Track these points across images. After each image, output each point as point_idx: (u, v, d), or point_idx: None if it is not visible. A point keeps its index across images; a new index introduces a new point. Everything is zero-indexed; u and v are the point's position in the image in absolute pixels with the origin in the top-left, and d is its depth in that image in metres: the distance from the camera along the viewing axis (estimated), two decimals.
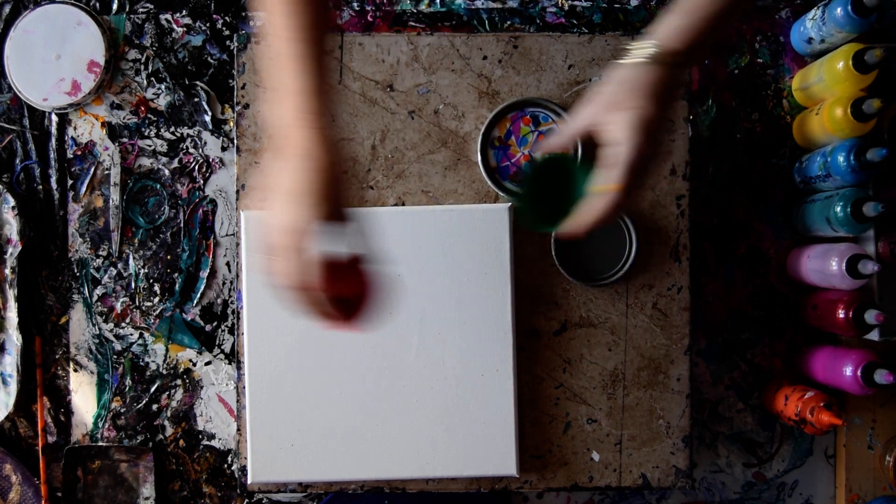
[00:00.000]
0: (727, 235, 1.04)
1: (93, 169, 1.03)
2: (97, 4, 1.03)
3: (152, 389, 1.03)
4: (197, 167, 1.03)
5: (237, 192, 0.88)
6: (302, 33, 0.63)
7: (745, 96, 1.04)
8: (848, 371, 0.91)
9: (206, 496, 1.04)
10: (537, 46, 0.90)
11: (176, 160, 1.03)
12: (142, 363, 1.03)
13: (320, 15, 0.64)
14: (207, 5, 1.04)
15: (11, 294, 1.00)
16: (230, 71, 1.03)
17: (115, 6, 1.03)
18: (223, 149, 1.04)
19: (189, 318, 1.03)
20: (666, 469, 0.89)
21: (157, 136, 1.03)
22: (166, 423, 1.03)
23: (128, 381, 1.03)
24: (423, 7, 1.04)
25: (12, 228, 1.00)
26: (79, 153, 1.03)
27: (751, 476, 1.05)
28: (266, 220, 0.62)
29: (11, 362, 1.00)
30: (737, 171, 1.04)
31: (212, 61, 1.04)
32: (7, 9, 1.03)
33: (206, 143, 1.03)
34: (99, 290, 1.03)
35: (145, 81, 1.03)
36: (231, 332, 1.03)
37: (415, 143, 0.90)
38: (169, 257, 1.03)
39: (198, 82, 1.03)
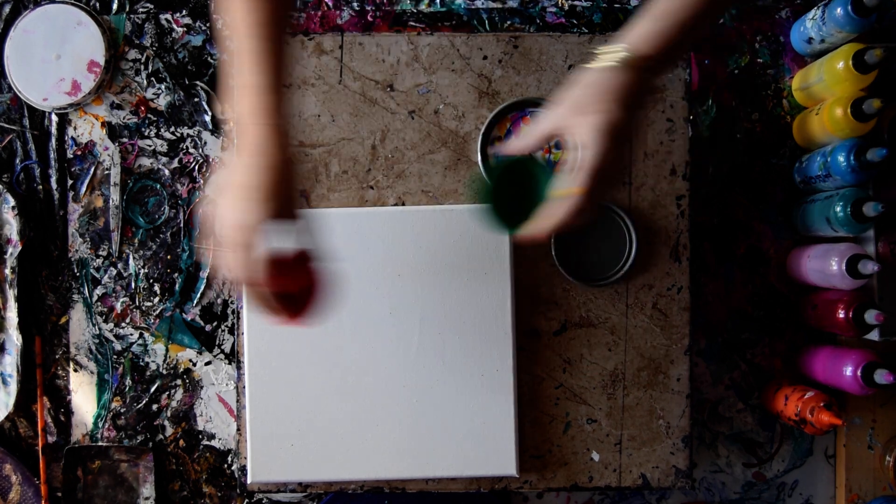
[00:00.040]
0: (727, 235, 1.04)
1: (93, 169, 1.03)
2: (97, 4, 1.03)
3: (152, 389, 1.03)
4: (197, 167, 1.03)
5: None
6: (259, 30, 0.63)
7: (745, 96, 1.04)
8: (848, 371, 0.91)
9: (206, 496, 1.04)
10: (537, 46, 0.90)
11: (176, 160, 1.03)
12: (142, 363, 1.03)
13: (279, 12, 0.64)
14: (207, 5, 1.04)
15: (11, 294, 1.00)
16: (230, 71, 1.03)
17: (115, 6, 1.03)
18: (223, 149, 1.04)
19: (189, 318, 1.03)
20: (666, 469, 0.89)
21: (157, 136, 1.03)
22: (166, 423, 1.03)
23: (128, 381, 1.03)
24: (423, 7, 1.04)
25: (12, 228, 1.00)
26: (79, 153, 1.03)
27: (751, 476, 1.05)
28: (217, 213, 0.63)
29: (11, 362, 1.00)
30: (737, 171, 1.04)
31: (212, 61, 1.04)
32: (7, 9, 1.03)
33: (206, 143, 1.03)
34: (99, 290, 1.03)
35: (145, 81, 1.03)
36: (231, 332, 1.03)
37: (415, 143, 0.90)
38: (169, 257, 1.03)
39: (198, 82, 1.03)
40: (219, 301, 1.03)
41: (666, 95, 0.89)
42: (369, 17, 1.04)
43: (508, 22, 1.04)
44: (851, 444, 1.01)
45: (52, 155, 1.03)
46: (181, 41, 1.03)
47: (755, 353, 1.04)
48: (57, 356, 1.04)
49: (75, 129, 1.03)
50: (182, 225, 1.03)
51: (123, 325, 1.03)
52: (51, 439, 1.03)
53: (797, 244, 1.03)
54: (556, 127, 0.64)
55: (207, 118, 1.03)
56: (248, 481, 0.86)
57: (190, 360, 1.04)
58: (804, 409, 0.93)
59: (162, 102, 1.03)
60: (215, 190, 0.65)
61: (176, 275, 1.03)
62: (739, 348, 1.04)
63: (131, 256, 1.03)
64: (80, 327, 1.03)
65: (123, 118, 1.03)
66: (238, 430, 0.87)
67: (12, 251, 1.00)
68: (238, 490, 0.99)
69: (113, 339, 1.03)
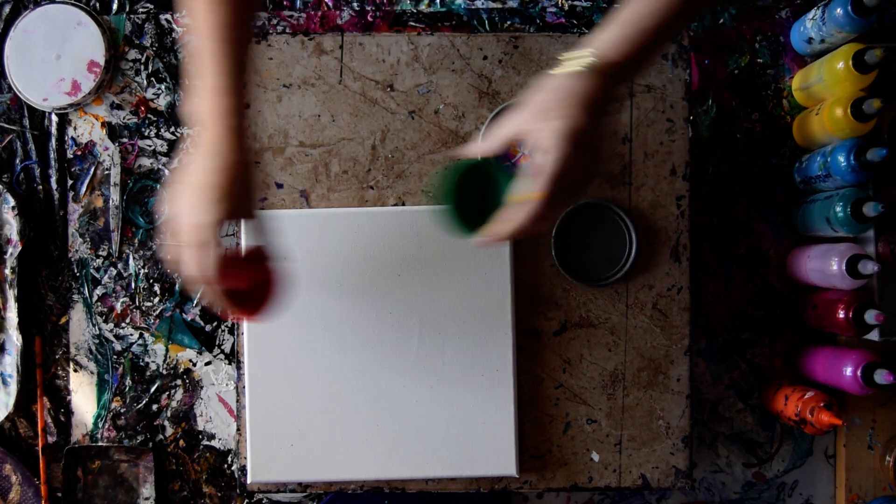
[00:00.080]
0: (727, 235, 1.04)
1: (93, 169, 1.03)
2: (97, 4, 1.03)
3: (152, 389, 1.03)
4: None
5: None
6: (220, 32, 0.64)
7: (745, 96, 1.04)
8: (848, 371, 0.91)
9: (206, 496, 1.04)
10: (537, 46, 0.90)
11: (176, 160, 1.03)
12: (142, 363, 1.03)
13: (241, 15, 0.65)
14: None
15: (11, 294, 1.00)
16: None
17: (115, 6, 1.03)
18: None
19: (189, 318, 1.03)
20: (666, 469, 0.89)
21: (157, 136, 1.03)
22: (166, 423, 1.03)
23: (128, 381, 1.03)
24: (423, 7, 1.04)
25: (12, 228, 1.00)
26: (79, 153, 1.03)
27: (751, 476, 1.05)
28: (173, 211, 0.65)
29: (11, 362, 1.00)
30: (737, 171, 1.04)
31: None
32: (7, 9, 1.03)
33: None
34: (99, 290, 1.03)
35: (145, 81, 1.03)
36: (231, 332, 1.03)
37: (415, 143, 0.90)
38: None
39: None
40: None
41: (666, 95, 0.89)
42: (369, 17, 1.04)
43: (508, 22, 1.04)
44: (851, 444, 1.01)
45: (52, 155, 1.03)
46: (181, 41, 1.03)
47: (755, 353, 1.04)
48: (57, 356, 1.04)
49: (75, 129, 1.03)
50: None
51: (123, 325, 1.03)
52: (51, 439, 1.03)
53: (797, 244, 1.03)
54: (518, 131, 0.63)
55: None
56: (248, 481, 0.86)
57: (190, 360, 1.04)
58: (804, 409, 0.93)
59: (162, 102, 1.03)
60: (172, 188, 0.66)
61: (176, 275, 1.03)
62: (739, 348, 1.04)
63: (131, 256, 1.03)
64: (80, 327, 1.03)
65: (123, 118, 1.03)
66: (238, 430, 0.87)
67: (12, 251, 1.00)
68: (238, 490, 0.99)
69: (113, 339, 1.03)
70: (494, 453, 0.86)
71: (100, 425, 1.03)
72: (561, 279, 0.89)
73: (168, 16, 1.04)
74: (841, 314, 0.91)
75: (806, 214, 0.98)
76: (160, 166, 1.03)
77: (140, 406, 1.03)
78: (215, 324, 1.03)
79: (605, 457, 0.89)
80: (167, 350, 1.03)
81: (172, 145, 1.03)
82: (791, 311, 1.04)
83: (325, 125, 0.89)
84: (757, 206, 1.04)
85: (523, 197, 0.62)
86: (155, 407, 1.03)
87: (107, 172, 1.03)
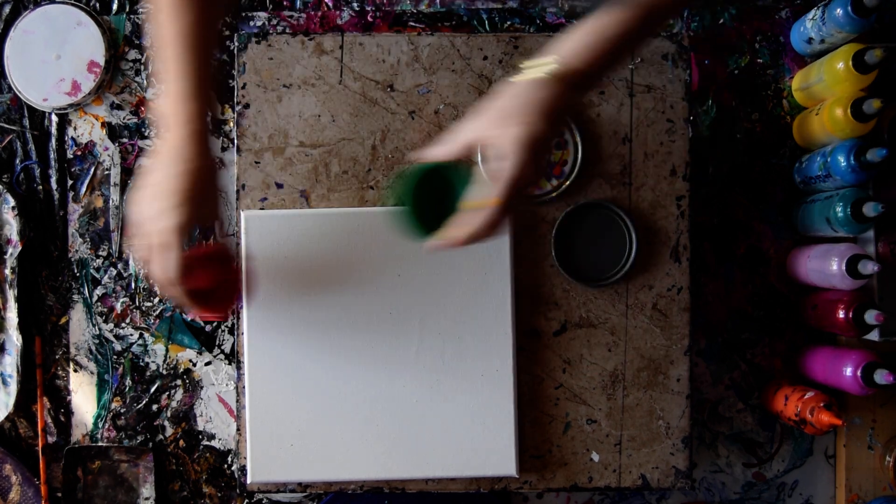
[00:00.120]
0: (727, 235, 1.04)
1: (93, 169, 1.03)
2: (97, 4, 1.03)
3: (152, 389, 1.03)
4: None
5: (237, 192, 0.88)
6: (184, 39, 0.66)
7: (745, 96, 1.04)
8: (848, 371, 0.91)
9: (206, 496, 1.04)
10: (537, 47, 0.90)
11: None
12: (142, 363, 1.03)
13: (204, 23, 0.66)
14: None
15: (11, 294, 1.00)
16: (230, 71, 1.03)
17: (115, 6, 1.03)
18: (223, 149, 1.04)
19: (189, 319, 1.03)
20: (665, 469, 0.89)
21: (158, 135, 1.03)
22: (166, 423, 1.03)
23: (128, 382, 1.03)
24: (423, 7, 1.04)
25: (12, 228, 1.00)
26: (79, 153, 1.03)
27: (751, 476, 1.05)
28: (136, 214, 0.67)
29: (11, 362, 1.00)
30: (737, 171, 1.04)
31: (211, 62, 1.04)
32: (7, 9, 1.03)
33: None
34: (99, 291, 1.03)
35: (145, 81, 1.03)
36: (231, 332, 1.03)
37: (415, 144, 0.90)
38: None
39: None
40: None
41: (666, 95, 0.89)
42: (369, 18, 1.04)
43: (508, 22, 1.04)
44: (851, 444, 1.01)
45: (52, 155, 1.03)
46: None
47: (755, 353, 1.04)
48: (57, 356, 1.04)
49: (75, 129, 1.03)
50: None
51: (123, 325, 1.03)
52: (51, 439, 1.03)
53: (797, 244, 1.03)
54: (477, 136, 0.63)
55: (207, 118, 1.03)
56: (248, 481, 0.86)
57: (190, 361, 1.04)
58: (804, 409, 0.93)
59: None
60: (137, 191, 0.68)
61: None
62: (739, 348, 1.04)
63: (131, 256, 1.03)
64: (80, 327, 1.03)
65: (123, 118, 1.03)
66: (238, 430, 0.87)
67: (12, 251, 1.00)
68: (238, 490, 0.98)
69: (113, 339, 1.03)
70: (494, 453, 0.86)
71: (100, 425, 1.03)
72: (561, 279, 0.89)
73: None
74: (841, 314, 0.91)
75: (806, 214, 0.98)
76: None
77: (140, 406, 1.03)
78: (215, 324, 1.03)
79: (605, 457, 0.89)
80: (167, 350, 1.03)
81: None
82: (791, 311, 1.04)
83: (325, 125, 0.89)
84: (757, 206, 1.04)
85: (479, 202, 0.62)
86: (155, 407, 1.03)
87: (107, 172, 1.03)
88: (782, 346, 1.04)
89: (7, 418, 1.01)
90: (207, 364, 1.03)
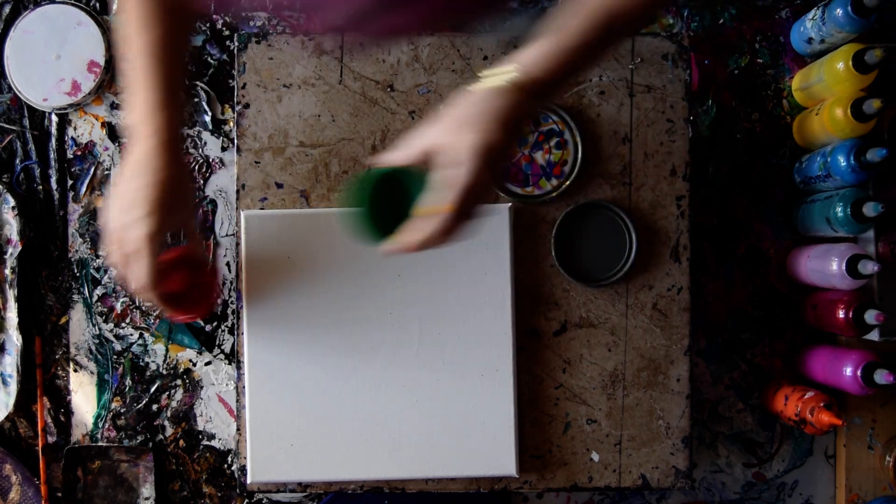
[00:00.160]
0: (727, 235, 1.04)
1: (93, 169, 1.03)
2: (97, 4, 1.03)
3: (152, 389, 1.03)
4: (197, 167, 1.03)
5: (237, 192, 0.88)
6: (153, 49, 0.66)
7: (745, 96, 1.04)
8: (848, 371, 0.91)
9: (206, 496, 1.04)
10: None
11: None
12: (142, 363, 1.03)
13: (174, 33, 0.67)
14: (208, 5, 1.04)
15: (11, 294, 1.00)
16: (230, 71, 1.03)
17: (115, 6, 1.03)
18: (223, 149, 1.04)
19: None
20: (666, 469, 0.89)
21: None
22: (166, 423, 1.03)
23: (128, 381, 1.03)
24: None
25: (12, 228, 1.00)
26: (79, 153, 1.03)
27: (751, 476, 1.05)
28: (108, 222, 0.68)
29: (11, 362, 1.00)
30: (737, 171, 1.04)
31: (212, 61, 1.04)
32: (7, 9, 1.03)
33: (206, 143, 1.03)
34: (99, 290, 1.03)
35: None
36: (231, 332, 1.03)
37: None
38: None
39: (198, 82, 1.03)
40: (219, 301, 1.03)
41: (666, 95, 0.89)
42: None
43: (508, 22, 1.04)
44: (851, 444, 1.01)
45: (52, 155, 1.03)
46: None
47: (755, 353, 1.04)
48: (57, 356, 1.04)
49: (75, 129, 1.03)
50: None
51: (123, 325, 1.03)
52: (51, 439, 1.03)
53: (797, 244, 1.03)
54: (434, 143, 0.63)
55: (207, 118, 1.03)
56: (248, 481, 0.86)
57: (190, 360, 1.04)
58: (804, 409, 0.93)
59: None
60: (109, 199, 0.69)
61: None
62: (739, 348, 1.04)
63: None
64: (80, 327, 1.03)
65: (123, 118, 1.03)
66: (238, 430, 0.87)
67: (12, 251, 1.00)
68: (238, 490, 0.98)
69: (113, 339, 1.03)
70: (494, 453, 0.86)
71: (100, 425, 1.03)
72: (561, 279, 0.89)
73: None
74: (841, 314, 0.91)
75: (806, 214, 0.98)
76: None
77: (140, 406, 1.03)
78: (215, 324, 1.03)
79: (605, 457, 0.89)
80: (167, 350, 1.03)
81: None
82: (791, 311, 1.04)
83: (325, 125, 0.89)
84: (757, 206, 1.04)
85: (432, 209, 0.62)
86: (155, 407, 1.03)
87: (107, 172, 1.03)
88: (782, 346, 1.04)
89: (7, 418, 1.01)
90: (207, 364, 1.03)
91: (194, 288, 0.77)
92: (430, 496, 0.95)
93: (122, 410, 1.03)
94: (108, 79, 1.02)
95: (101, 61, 1.01)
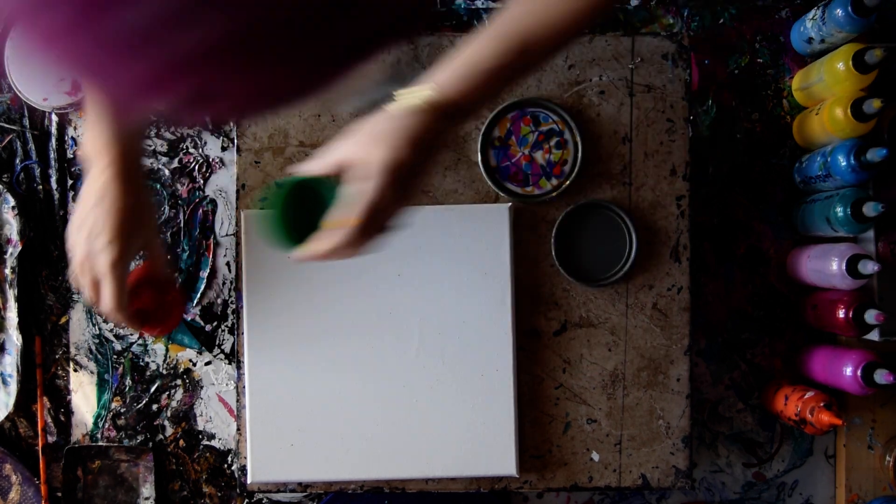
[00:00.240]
0: (727, 235, 1.04)
1: None
2: None
3: (152, 389, 1.03)
4: (197, 167, 1.03)
5: (237, 192, 0.88)
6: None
7: (745, 96, 1.04)
8: (848, 371, 0.91)
9: (206, 496, 1.04)
10: None
11: (176, 160, 1.03)
12: (142, 363, 1.03)
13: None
14: None
15: (11, 294, 1.00)
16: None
17: None
18: (223, 149, 1.04)
19: (189, 318, 1.03)
20: (666, 469, 0.89)
21: (157, 135, 1.03)
22: (166, 423, 1.03)
23: (128, 381, 1.03)
24: None
25: (12, 228, 1.00)
26: (79, 153, 1.03)
27: (751, 476, 1.05)
28: (72, 248, 0.70)
29: (11, 362, 1.00)
30: (737, 171, 1.04)
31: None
32: None
33: (206, 143, 1.03)
34: None
35: None
36: (231, 332, 1.03)
37: None
38: (169, 257, 1.03)
39: None
40: (219, 301, 1.03)
41: (666, 95, 0.89)
42: None
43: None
44: (851, 444, 1.01)
45: (52, 155, 1.03)
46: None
47: (755, 353, 1.04)
48: (57, 356, 1.04)
49: (75, 128, 1.03)
50: (182, 225, 1.03)
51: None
52: (51, 439, 1.03)
53: (797, 244, 1.03)
54: (347, 156, 0.63)
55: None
56: (248, 481, 0.86)
57: (190, 360, 1.04)
58: (804, 409, 0.93)
59: None
60: (71, 226, 0.71)
61: (176, 275, 1.03)
62: (739, 348, 1.04)
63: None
64: (80, 327, 1.03)
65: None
66: (238, 430, 0.87)
67: (12, 251, 1.00)
68: (238, 490, 0.98)
69: (113, 339, 1.03)
70: (494, 453, 0.86)
71: (100, 425, 1.03)
72: (561, 279, 0.89)
73: None
74: (841, 314, 0.91)
75: (806, 214, 0.98)
76: (160, 166, 1.03)
77: (140, 406, 1.03)
78: (215, 324, 1.03)
79: (605, 457, 0.89)
80: (167, 350, 1.03)
81: (172, 145, 1.03)
82: (791, 311, 1.04)
83: (325, 125, 0.89)
84: (757, 206, 1.04)
85: (340, 221, 0.62)
86: (155, 407, 1.03)
87: None
88: (782, 346, 1.04)
89: (7, 418, 1.01)
90: (207, 364, 1.03)
91: (159, 307, 0.79)
92: (430, 496, 0.95)
93: (122, 410, 1.03)
94: None
95: None
